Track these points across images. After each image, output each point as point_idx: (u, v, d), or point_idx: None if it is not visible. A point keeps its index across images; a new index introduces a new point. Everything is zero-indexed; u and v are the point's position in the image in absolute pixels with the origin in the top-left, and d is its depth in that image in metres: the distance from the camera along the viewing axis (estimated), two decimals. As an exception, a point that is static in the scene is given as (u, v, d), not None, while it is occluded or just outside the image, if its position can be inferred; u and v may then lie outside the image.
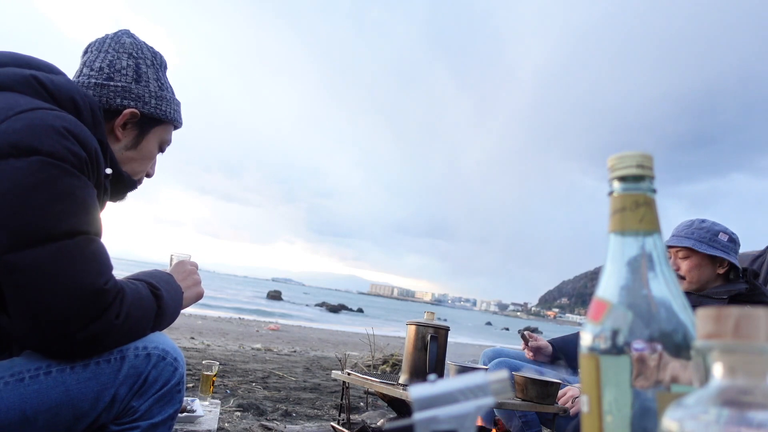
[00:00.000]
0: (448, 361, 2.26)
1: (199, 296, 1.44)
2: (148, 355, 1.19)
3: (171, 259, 1.58)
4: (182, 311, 1.39)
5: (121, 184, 1.39)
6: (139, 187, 1.50)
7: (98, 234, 1.16)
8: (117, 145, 1.38)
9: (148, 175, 1.52)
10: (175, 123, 1.49)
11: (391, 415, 2.69)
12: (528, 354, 2.65)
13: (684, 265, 2.25)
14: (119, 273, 1.21)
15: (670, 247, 2.29)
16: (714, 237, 2.25)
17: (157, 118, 1.42)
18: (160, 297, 1.23)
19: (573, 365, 2.60)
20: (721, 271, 2.27)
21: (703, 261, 2.24)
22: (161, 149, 1.51)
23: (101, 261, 1.13)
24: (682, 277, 2.25)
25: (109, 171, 1.30)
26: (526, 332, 2.67)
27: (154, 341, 1.21)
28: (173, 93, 1.50)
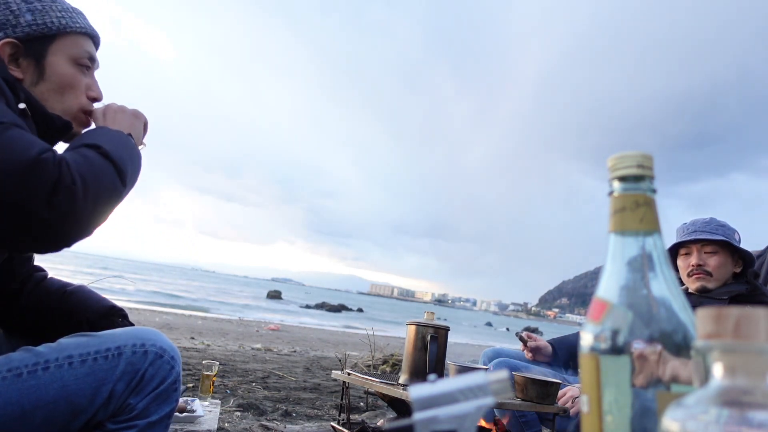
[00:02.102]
0: (448, 361, 2.26)
1: (145, 123, 1.32)
2: (146, 352, 1.19)
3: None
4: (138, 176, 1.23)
5: (54, 128, 1.25)
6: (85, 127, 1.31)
7: (13, 124, 1.06)
8: (26, 86, 1.23)
9: (95, 100, 1.33)
10: (69, 29, 1.26)
11: (391, 415, 2.69)
12: (527, 355, 2.64)
13: (713, 261, 2.22)
14: (119, 273, 1.20)
15: (696, 241, 2.24)
16: (732, 235, 2.25)
17: (39, 35, 1.23)
18: (100, 146, 1.13)
19: (573, 365, 2.59)
20: (737, 270, 2.26)
21: (728, 258, 2.23)
22: (83, 65, 1.30)
23: (25, 140, 1.04)
24: (708, 273, 2.21)
25: (22, 106, 1.18)
26: (524, 333, 2.66)
27: (152, 339, 1.21)
28: (55, 1, 1.28)
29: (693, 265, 2.23)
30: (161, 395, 1.20)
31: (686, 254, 2.29)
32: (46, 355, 1.14)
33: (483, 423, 2.46)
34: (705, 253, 2.24)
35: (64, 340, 1.18)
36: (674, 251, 2.33)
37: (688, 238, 2.26)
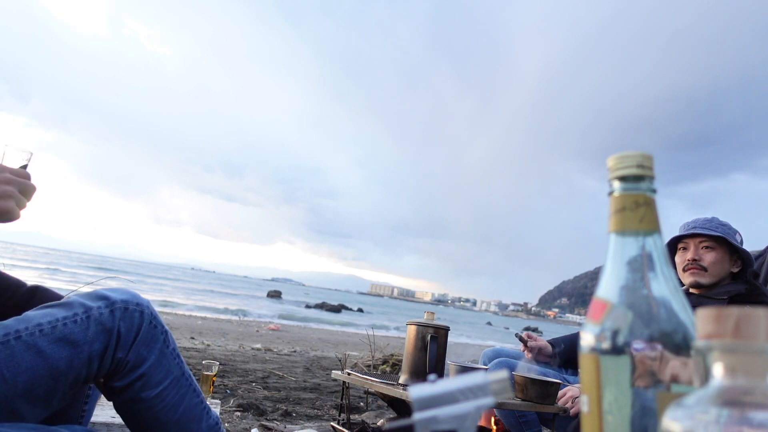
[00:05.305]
0: (448, 361, 2.26)
1: (1, 214, 1.13)
2: (112, 311, 1.22)
3: (3, 154, 1.20)
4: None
5: None
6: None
7: None
8: None
9: None
10: None
11: (391, 415, 2.69)
12: (528, 355, 2.64)
13: (709, 257, 2.21)
14: (117, 275, 1.20)
15: (695, 235, 2.24)
16: (734, 235, 2.24)
17: None
18: None
19: (573, 365, 2.59)
20: (735, 269, 2.26)
21: (725, 256, 2.23)
22: None
23: None
24: (703, 268, 2.21)
25: None
26: (524, 333, 2.66)
27: (112, 296, 1.24)
28: None
29: (689, 260, 2.23)
30: (144, 340, 1.25)
31: (684, 249, 2.29)
32: (15, 326, 1.17)
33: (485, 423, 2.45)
34: (702, 248, 2.24)
35: (29, 313, 1.21)
36: (673, 248, 2.32)
37: (686, 233, 2.26)
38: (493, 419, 2.52)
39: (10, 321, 1.18)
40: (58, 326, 1.18)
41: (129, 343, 1.23)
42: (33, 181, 1.19)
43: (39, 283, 1.53)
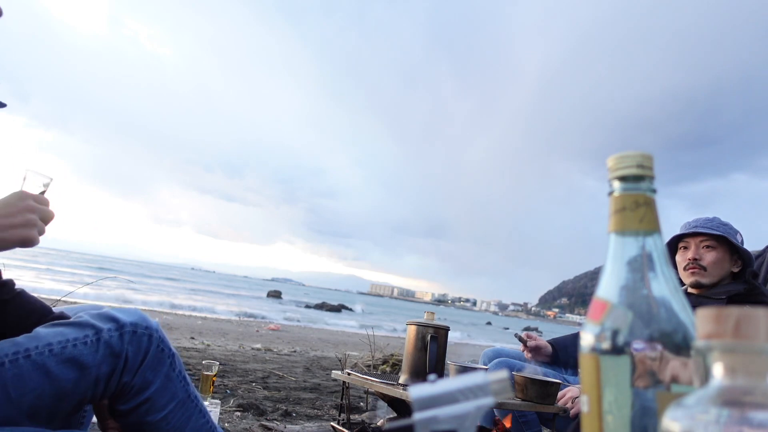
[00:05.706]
0: (448, 361, 2.26)
1: (24, 242, 1.13)
2: (121, 335, 1.22)
3: (24, 178, 1.21)
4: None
5: None
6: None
7: None
8: None
9: None
10: None
11: (391, 415, 2.69)
12: (527, 355, 2.64)
13: (709, 256, 2.21)
14: (117, 275, 1.20)
15: (696, 234, 2.24)
16: (734, 235, 2.24)
17: None
18: None
19: (573, 365, 2.59)
20: (735, 269, 2.26)
21: (726, 255, 2.22)
22: None
23: None
24: (702, 268, 2.20)
25: None
26: (523, 333, 2.67)
27: (123, 319, 1.24)
28: None
29: (689, 259, 2.23)
30: (151, 364, 1.25)
31: (684, 248, 2.29)
32: (26, 344, 1.16)
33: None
34: (703, 247, 2.23)
35: (40, 330, 1.21)
36: (674, 247, 2.32)
37: (687, 231, 2.26)
38: (494, 419, 2.52)
39: (21, 338, 1.18)
40: (68, 347, 1.17)
41: (136, 367, 1.23)
42: (51, 207, 1.20)
43: (64, 310, 1.51)
